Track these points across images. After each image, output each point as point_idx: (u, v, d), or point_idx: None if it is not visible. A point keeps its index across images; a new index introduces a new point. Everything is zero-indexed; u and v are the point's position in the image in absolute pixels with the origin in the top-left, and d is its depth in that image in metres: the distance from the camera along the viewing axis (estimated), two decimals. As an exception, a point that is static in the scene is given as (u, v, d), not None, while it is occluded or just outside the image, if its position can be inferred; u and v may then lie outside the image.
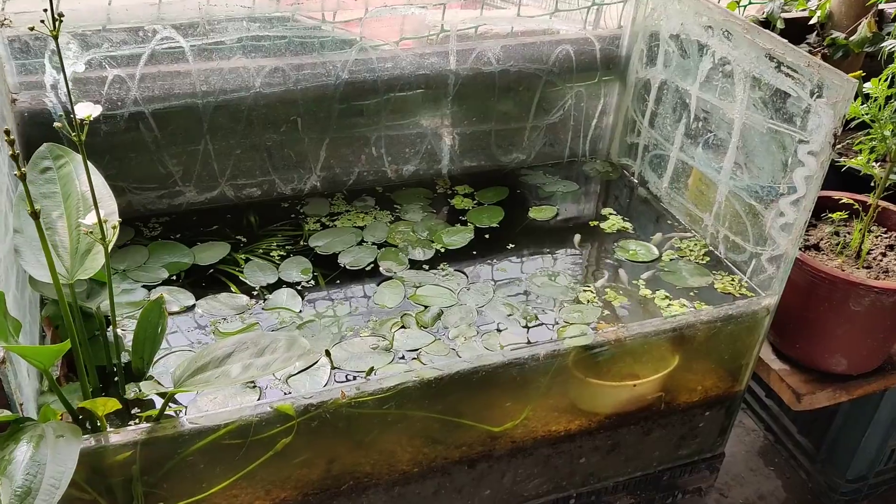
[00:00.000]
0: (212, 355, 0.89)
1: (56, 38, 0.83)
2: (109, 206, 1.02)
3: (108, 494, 0.96)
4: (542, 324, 1.17)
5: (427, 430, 1.10)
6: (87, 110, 0.87)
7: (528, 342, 1.14)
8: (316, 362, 1.06)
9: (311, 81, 1.31)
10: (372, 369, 1.04)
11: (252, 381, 1.03)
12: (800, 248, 1.25)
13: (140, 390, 0.95)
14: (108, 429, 0.95)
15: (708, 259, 1.31)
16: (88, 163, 1.04)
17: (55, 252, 0.99)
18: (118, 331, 1.10)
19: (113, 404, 0.88)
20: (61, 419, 0.94)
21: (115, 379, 1.02)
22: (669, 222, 1.40)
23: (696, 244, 1.34)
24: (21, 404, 0.87)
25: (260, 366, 0.84)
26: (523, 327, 1.16)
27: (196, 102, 1.26)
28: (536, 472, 1.21)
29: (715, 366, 1.25)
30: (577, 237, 1.36)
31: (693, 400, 1.27)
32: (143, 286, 1.18)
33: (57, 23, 0.83)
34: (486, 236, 1.35)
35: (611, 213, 1.42)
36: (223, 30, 1.22)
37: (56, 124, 0.85)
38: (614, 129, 1.57)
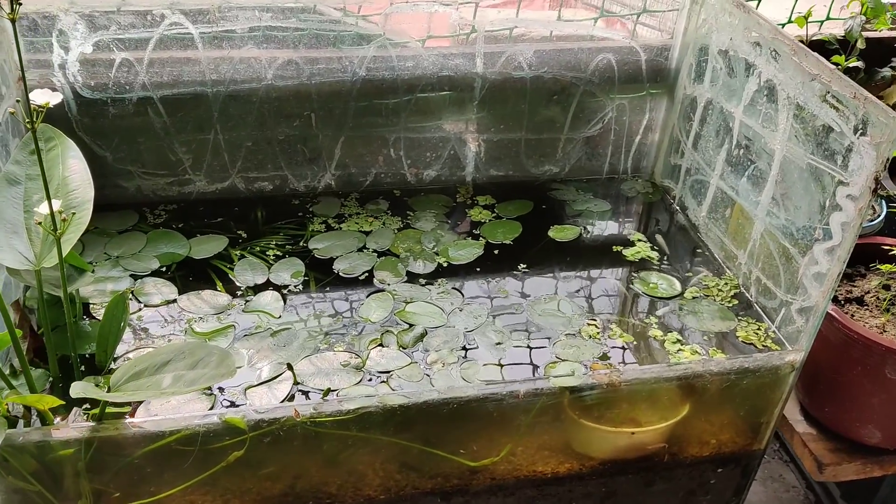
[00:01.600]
0: (151, 361, 0.85)
1: (14, 21, 0.80)
2: (85, 195, 0.99)
3: (57, 489, 0.94)
4: (534, 348, 1.08)
5: (397, 456, 1.03)
6: (44, 97, 0.84)
7: (535, 368, 1.06)
8: (279, 375, 1.01)
9: (326, 76, 1.25)
10: (328, 391, 0.98)
11: (209, 389, 0.99)
12: (840, 300, 1.11)
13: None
14: (55, 423, 0.94)
15: (736, 302, 1.18)
16: (76, 147, 1.03)
17: (28, 236, 0.97)
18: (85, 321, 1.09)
19: (50, 401, 0.86)
20: (8, 409, 0.92)
21: (82, 370, 1.00)
22: (704, 253, 1.28)
23: (726, 283, 1.21)
24: (-41, 392, 0.85)
25: (188, 380, 0.80)
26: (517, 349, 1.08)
27: (206, 91, 1.22)
28: (519, 513, 1.13)
29: (730, 420, 1.13)
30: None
31: (703, 454, 1.15)
32: (132, 275, 1.16)
33: (15, 5, 0.80)
34: (496, 252, 1.26)
35: (639, 240, 1.31)
36: (234, 18, 1.18)
37: (10, 110, 0.83)
38: (659, 147, 1.45)
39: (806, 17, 1.28)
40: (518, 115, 1.37)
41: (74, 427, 0.90)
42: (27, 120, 0.83)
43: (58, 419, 0.95)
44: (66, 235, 0.92)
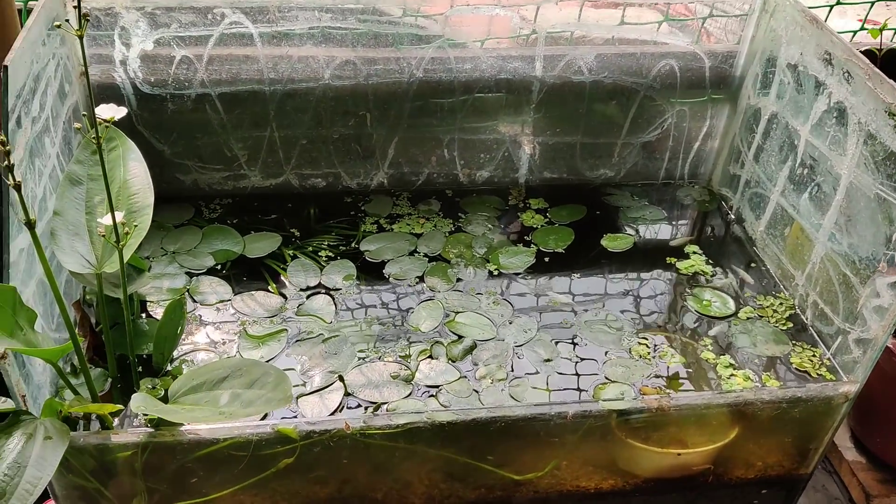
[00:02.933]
0: (209, 375, 0.87)
1: (81, 37, 0.81)
2: (146, 199, 1.00)
3: (114, 486, 0.97)
4: (583, 363, 1.08)
5: (442, 467, 1.04)
6: (110, 112, 0.85)
7: (583, 386, 1.05)
8: (330, 385, 1.02)
9: (384, 77, 1.24)
10: (378, 406, 0.99)
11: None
12: (899, 331, 1.08)
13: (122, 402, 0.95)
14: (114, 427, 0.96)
15: (791, 324, 1.16)
16: (136, 149, 1.04)
17: (90, 238, 0.99)
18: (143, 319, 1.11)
19: (108, 408, 0.88)
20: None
21: (139, 370, 1.03)
22: (759, 269, 1.26)
23: (781, 303, 1.19)
24: (23, 396, 0.88)
25: (245, 400, 0.81)
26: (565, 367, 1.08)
27: (263, 89, 1.23)
28: (560, 525, 1.14)
29: (778, 445, 1.11)
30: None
31: (748, 476, 1.14)
32: (187, 272, 1.17)
33: (83, 21, 0.80)
34: (547, 260, 1.25)
35: (693, 252, 1.29)
36: (293, 18, 1.17)
37: (76, 125, 0.83)
38: (719, 155, 1.41)
39: (881, 30, 1.23)
40: (575, 119, 1.35)
41: (132, 432, 0.92)
42: (93, 138, 0.84)
43: (116, 421, 0.98)
44: (129, 238, 0.94)
